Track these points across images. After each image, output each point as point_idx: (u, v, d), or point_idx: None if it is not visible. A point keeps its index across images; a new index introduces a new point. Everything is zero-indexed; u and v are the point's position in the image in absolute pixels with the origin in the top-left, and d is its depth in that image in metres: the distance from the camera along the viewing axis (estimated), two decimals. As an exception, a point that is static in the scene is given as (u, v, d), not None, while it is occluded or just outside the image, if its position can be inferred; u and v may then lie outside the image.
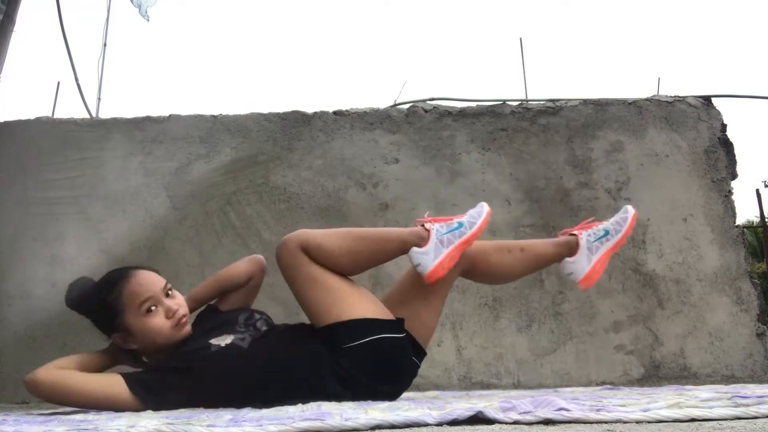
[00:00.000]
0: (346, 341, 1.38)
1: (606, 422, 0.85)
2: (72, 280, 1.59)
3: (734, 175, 2.48)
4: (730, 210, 2.44)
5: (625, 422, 0.85)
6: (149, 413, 1.27)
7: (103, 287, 1.48)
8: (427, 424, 0.88)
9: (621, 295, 2.35)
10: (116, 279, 1.48)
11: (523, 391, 1.98)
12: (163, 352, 1.45)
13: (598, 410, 0.91)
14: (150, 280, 1.49)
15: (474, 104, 2.60)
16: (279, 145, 2.51)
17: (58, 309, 2.38)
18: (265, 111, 2.57)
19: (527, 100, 2.71)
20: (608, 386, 2.08)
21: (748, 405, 0.91)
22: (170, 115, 2.56)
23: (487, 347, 2.30)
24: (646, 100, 2.57)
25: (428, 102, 2.67)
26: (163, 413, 1.27)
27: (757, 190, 5.95)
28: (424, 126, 2.54)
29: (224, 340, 1.44)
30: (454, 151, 2.50)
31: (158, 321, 1.43)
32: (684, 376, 2.26)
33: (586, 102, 2.57)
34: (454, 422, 0.89)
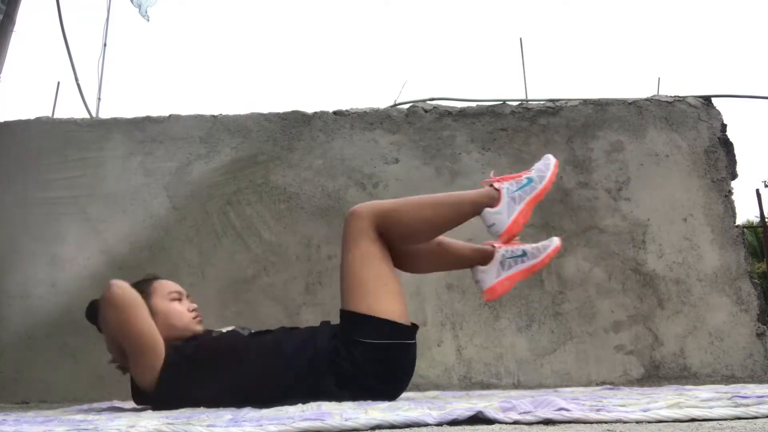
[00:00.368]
0: (364, 336, 1.38)
1: (606, 422, 0.85)
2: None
3: (734, 175, 2.48)
4: (730, 210, 2.44)
5: (625, 422, 0.85)
6: (149, 413, 1.27)
7: (137, 281, 1.58)
8: (427, 424, 0.88)
9: (621, 295, 2.35)
10: (148, 277, 1.64)
11: (523, 391, 1.98)
12: (173, 343, 1.49)
13: (598, 410, 0.91)
14: (171, 283, 1.64)
15: (474, 104, 2.60)
16: (279, 145, 2.51)
17: (58, 309, 2.39)
18: (265, 111, 2.57)
19: (527, 100, 2.71)
20: (608, 386, 2.08)
21: (748, 405, 0.91)
22: (170, 115, 2.56)
23: (487, 347, 2.30)
24: (646, 100, 2.57)
25: (428, 102, 2.67)
26: (164, 413, 1.27)
27: (757, 190, 5.95)
28: (424, 126, 2.54)
29: (225, 328, 1.57)
30: (454, 151, 2.50)
31: (181, 308, 1.55)
32: (684, 376, 2.26)
33: (586, 102, 2.57)
34: (454, 422, 0.89)
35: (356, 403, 1.30)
